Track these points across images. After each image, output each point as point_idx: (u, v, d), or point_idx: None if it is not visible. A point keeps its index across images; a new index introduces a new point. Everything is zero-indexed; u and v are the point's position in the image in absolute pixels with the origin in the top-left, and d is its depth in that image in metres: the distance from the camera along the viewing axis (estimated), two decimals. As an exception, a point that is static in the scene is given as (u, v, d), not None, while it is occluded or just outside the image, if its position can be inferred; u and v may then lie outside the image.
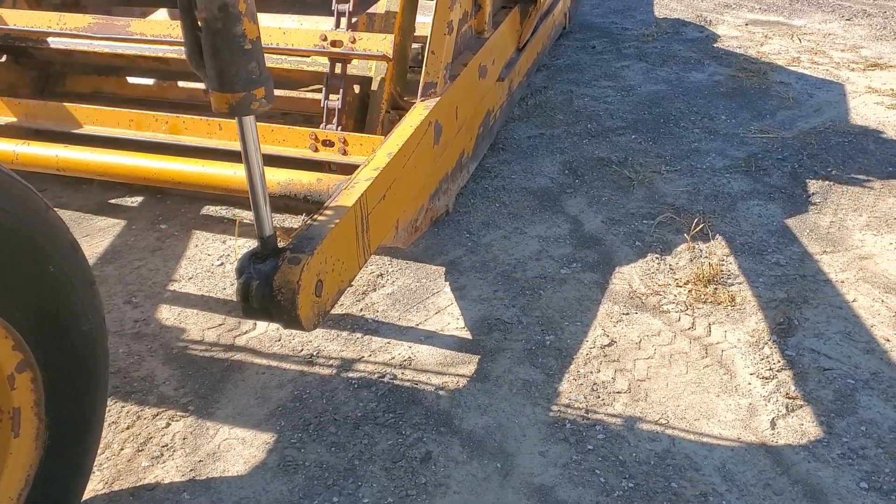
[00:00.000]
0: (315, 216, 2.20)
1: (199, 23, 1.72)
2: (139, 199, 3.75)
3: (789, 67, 5.65)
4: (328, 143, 3.01)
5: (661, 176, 4.05)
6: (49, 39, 3.53)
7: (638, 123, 4.69)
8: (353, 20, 3.21)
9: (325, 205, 2.27)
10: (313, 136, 3.03)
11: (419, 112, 2.88)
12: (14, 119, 3.34)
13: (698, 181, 4.00)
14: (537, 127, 4.64)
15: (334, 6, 3.23)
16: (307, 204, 2.93)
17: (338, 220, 2.17)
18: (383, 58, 3.10)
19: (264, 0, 4.25)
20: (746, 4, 7.34)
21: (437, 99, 2.97)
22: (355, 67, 3.27)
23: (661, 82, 5.37)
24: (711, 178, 4.02)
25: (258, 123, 3.06)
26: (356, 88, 3.29)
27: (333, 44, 3.12)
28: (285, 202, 3.05)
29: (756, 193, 3.88)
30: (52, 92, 3.86)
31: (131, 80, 3.90)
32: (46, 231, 1.66)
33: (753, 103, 5.00)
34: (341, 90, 3.17)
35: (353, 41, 3.11)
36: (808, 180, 4.00)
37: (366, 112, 3.31)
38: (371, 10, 3.42)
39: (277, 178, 2.91)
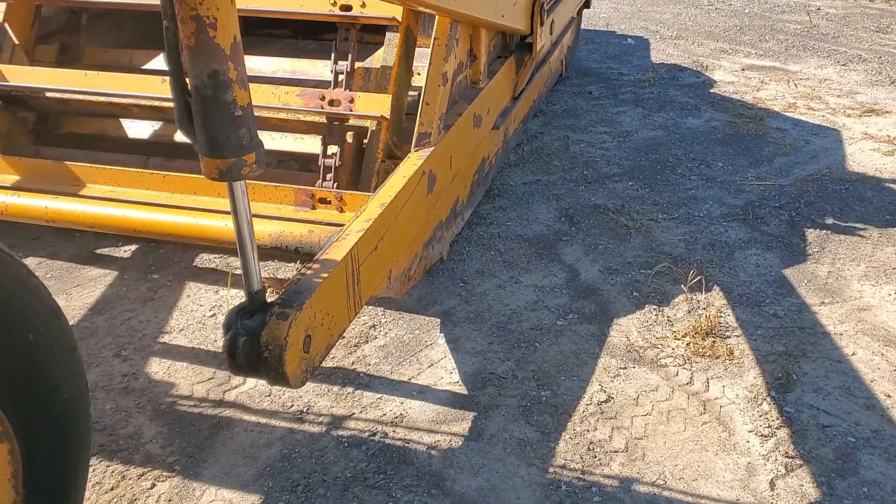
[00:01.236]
0: (304, 269, 2.17)
1: (188, 88, 1.70)
2: (132, 247, 3.72)
3: (786, 113, 5.67)
4: (325, 202, 3.00)
5: (658, 224, 4.02)
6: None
7: (635, 170, 4.68)
8: (352, 73, 3.24)
9: (316, 257, 2.24)
10: (310, 195, 3.02)
11: (413, 162, 2.87)
12: (14, 177, 3.32)
13: (696, 229, 3.97)
14: (533, 173, 4.63)
15: (332, 66, 3.25)
16: (299, 255, 2.91)
17: (327, 274, 2.14)
18: (381, 118, 3.13)
19: (264, 45, 4.30)
20: (742, 50, 7.38)
21: (431, 149, 2.97)
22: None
23: (658, 128, 5.37)
24: (709, 227, 4.00)
25: (254, 182, 3.06)
26: (351, 138, 3.29)
27: (331, 103, 3.13)
28: (277, 254, 3.03)
29: (754, 242, 3.85)
30: (50, 136, 3.86)
31: (129, 123, 3.90)
32: (27, 299, 1.63)
33: (750, 150, 5.00)
34: (338, 147, 3.18)
35: (352, 101, 3.12)
36: (805, 229, 3.98)
37: (362, 161, 3.31)
38: (367, 62, 3.43)
39: (268, 229, 2.90)
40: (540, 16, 4.09)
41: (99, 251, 3.70)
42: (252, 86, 3.25)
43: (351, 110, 3.14)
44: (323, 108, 3.16)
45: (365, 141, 3.31)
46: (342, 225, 2.76)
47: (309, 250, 2.88)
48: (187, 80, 1.69)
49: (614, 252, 3.76)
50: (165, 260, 3.62)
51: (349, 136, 3.28)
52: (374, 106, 3.15)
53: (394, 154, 3.27)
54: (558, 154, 4.91)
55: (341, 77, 3.25)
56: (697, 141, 5.13)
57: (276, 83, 3.34)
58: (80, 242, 3.73)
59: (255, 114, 3.16)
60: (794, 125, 5.44)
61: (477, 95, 3.56)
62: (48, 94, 3.59)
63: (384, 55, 3.35)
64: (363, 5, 3.12)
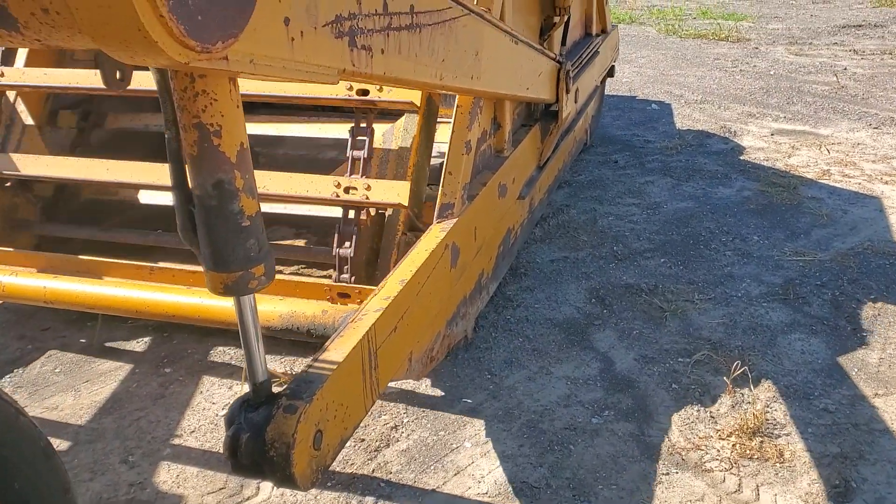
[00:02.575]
0: (316, 355, 2.01)
1: (192, 197, 1.57)
2: (147, 338, 3.57)
3: (820, 181, 5.49)
4: (345, 295, 2.84)
5: (694, 305, 3.83)
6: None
7: (666, 245, 4.50)
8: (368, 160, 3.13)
9: (329, 341, 2.07)
10: (328, 289, 2.87)
11: (435, 235, 2.72)
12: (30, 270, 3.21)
13: (734, 311, 3.77)
14: (560, 249, 4.47)
15: (349, 152, 3.14)
16: (311, 338, 2.74)
17: (341, 359, 1.97)
18: (398, 206, 2.99)
19: (288, 109, 4.18)
20: (770, 114, 7.24)
21: (455, 220, 2.82)
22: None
23: (688, 199, 5.20)
24: (748, 308, 3.79)
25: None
26: (366, 216, 3.14)
27: (347, 191, 3.01)
28: (288, 337, 2.87)
29: (797, 325, 3.64)
30: (64, 207, 3.76)
31: (144, 199, 3.81)
32: (14, 442, 1.47)
33: (786, 221, 4.81)
34: (354, 237, 3.04)
35: (368, 188, 2.99)
36: (851, 309, 3.76)
37: (382, 234, 3.16)
38: (387, 134, 3.31)
39: (279, 309, 2.74)
40: (566, 83, 3.98)
41: (111, 343, 3.56)
42: (265, 173, 3.15)
43: (367, 198, 3.01)
44: (338, 196, 3.03)
45: (387, 213, 3.18)
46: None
47: (323, 332, 2.71)
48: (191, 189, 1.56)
49: (650, 338, 3.56)
50: (178, 352, 3.46)
51: (369, 215, 3.14)
52: (391, 193, 3.01)
53: (415, 226, 3.13)
54: (586, 228, 4.75)
55: (357, 164, 3.12)
56: (730, 212, 4.95)
57: (291, 155, 3.22)
58: (92, 332, 3.59)
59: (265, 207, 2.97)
60: (829, 193, 5.25)
61: (502, 164, 3.42)
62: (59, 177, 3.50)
63: (405, 123, 3.22)
64: (380, 89, 3.00)
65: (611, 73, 6.21)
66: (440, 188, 2.91)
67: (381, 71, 1.90)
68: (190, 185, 1.57)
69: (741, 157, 6.01)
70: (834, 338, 3.53)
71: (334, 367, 1.94)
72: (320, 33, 1.56)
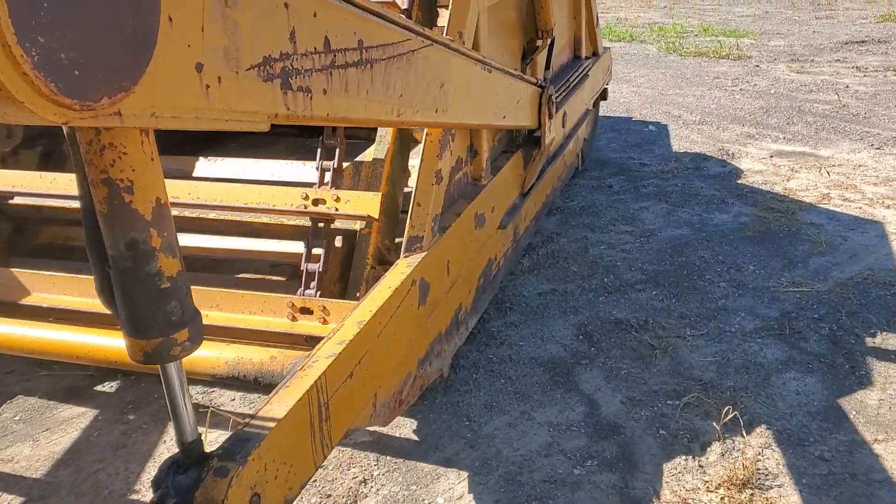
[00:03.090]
0: (257, 409, 1.86)
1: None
2: (115, 382, 3.43)
3: (819, 205, 5.33)
4: (307, 311, 2.69)
5: (685, 342, 3.67)
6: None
7: (659, 276, 4.35)
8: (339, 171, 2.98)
9: (273, 392, 1.91)
10: (290, 304, 2.71)
11: (400, 270, 2.56)
12: None
13: (727, 348, 3.61)
14: (549, 281, 4.31)
15: (318, 163, 2.99)
16: (259, 387, 2.58)
17: (283, 414, 1.81)
18: (368, 218, 2.83)
19: (270, 143, 4.06)
20: (770, 134, 7.09)
21: (424, 254, 2.67)
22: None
23: (683, 225, 5.05)
24: (742, 345, 3.63)
25: (230, 290, 2.77)
26: (339, 241, 2.99)
27: (315, 202, 2.85)
28: (236, 385, 2.71)
29: (792, 363, 3.47)
30: (24, 245, 3.61)
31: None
32: None
33: (783, 249, 4.65)
34: (323, 252, 2.88)
35: (337, 199, 2.83)
36: (849, 345, 3.60)
37: (350, 267, 3.00)
38: (360, 157, 3.17)
39: (225, 356, 2.57)
40: (549, 108, 3.83)
41: (79, 385, 3.42)
42: (228, 186, 3.00)
43: (336, 210, 2.85)
44: (306, 207, 2.88)
45: (358, 231, 3.03)
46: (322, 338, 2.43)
47: (271, 380, 2.55)
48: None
49: (638, 378, 3.40)
50: (144, 396, 3.32)
51: (338, 241, 2.98)
52: (361, 205, 2.85)
53: (385, 259, 2.96)
54: (576, 258, 4.60)
55: (327, 175, 2.97)
56: (726, 240, 4.80)
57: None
58: (56, 377, 3.46)
59: (233, 216, 2.79)
60: (829, 219, 5.09)
61: (479, 193, 3.28)
62: (21, 201, 3.36)
63: (376, 151, 3.08)
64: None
65: (603, 95, 6.07)
66: (408, 220, 2.76)
67: (325, 112, 1.76)
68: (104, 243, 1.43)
69: (739, 181, 5.86)
70: (831, 377, 3.37)
71: (274, 423, 1.79)
72: (244, 77, 1.42)
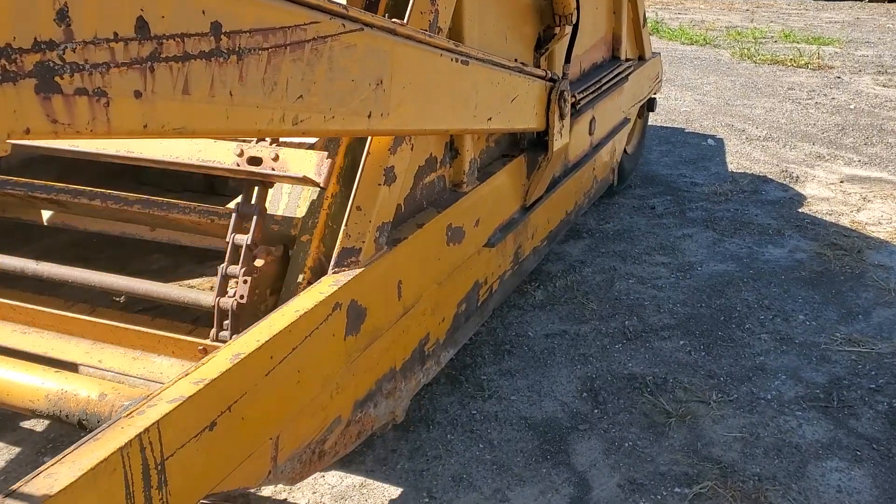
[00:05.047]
0: (46, 467, 1.38)
1: None
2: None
3: (892, 243, 4.62)
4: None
5: (708, 410, 3.07)
6: None
7: (690, 321, 3.74)
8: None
9: (75, 445, 1.43)
10: (202, 350, 2.19)
11: (319, 290, 2.04)
12: None
13: (758, 421, 3.00)
14: (561, 320, 3.75)
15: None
16: (84, 431, 2.02)
17: (72, 479, 1.33)
18: (304, 181, 2.23)
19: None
20: (843, 156, 6.34)
21: (358, 271, 2.15)
22: (277, 223, 2.43)
23: (729, 260, 4.42)
24: (776, 418, 3.02)
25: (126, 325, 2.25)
26: (266, 257, 2.41)
27: (252, 161, 2.26)
28: (60, 424, 2.18)
29: (836, 448, 2.85)
30: None
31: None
32: None
33: (842, 296, 3.99)
34: (239, 280, 2.29)
35: (276, 158, 2.23)
36: (911, 429, 2.96)
37: (283, 276, 2.36)
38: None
39: (48, 387, 1.99)
40: (559, 107, 3.24)
41: (2, 414, 3.02)
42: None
43: (273, 170, 2.25)
44: (239, 165, 2.28)
45: (291, 248, 2.45)
46: None
47: (96, 425, 2.02)
48: None
49: (644, 454, 2.83)
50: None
51: (269, 253, 2.38)
52: (304, 164, 2.23)
53: (326, 270, 2.32)
54: (598, 293, 4.02)
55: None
56: (776, 280, 4.15)
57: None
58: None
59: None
60: (902, 261, 4.40)
61: (455, 202, 2.74)
62: None
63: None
64: (276, 158, 2.31)
65: (651, 106, 5.45)
66: (342, 227, 2.21)
67: (139, 123, 1.27)
68: None
69: (800, 209, 5.18)
70: (885, 470, 2.74)
71: (59, 487, 1.31)
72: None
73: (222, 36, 1.39)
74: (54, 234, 3.02)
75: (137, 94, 1.24)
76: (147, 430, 1.48)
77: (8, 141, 1.08)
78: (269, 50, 1.51)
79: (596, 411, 3.09)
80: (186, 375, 1.66)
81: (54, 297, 2.67)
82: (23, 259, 2.60)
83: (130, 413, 1.53)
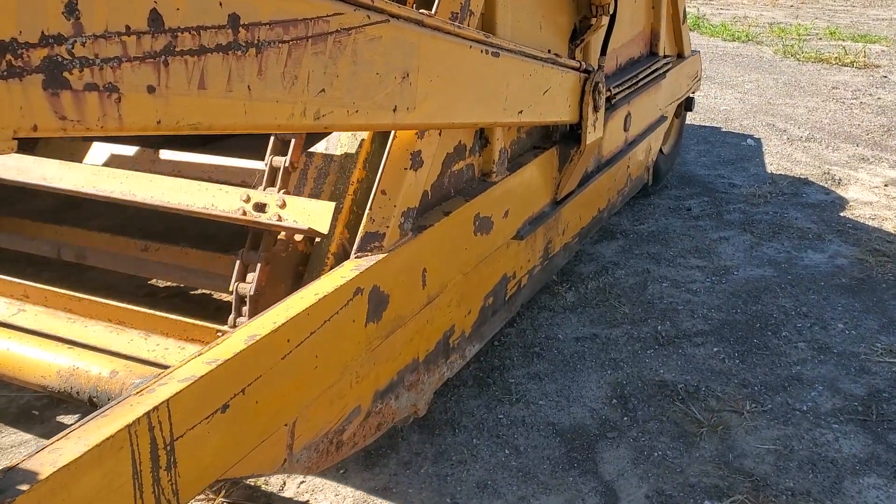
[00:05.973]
0: (49, 442, 1.36)
1: None
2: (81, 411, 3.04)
3: (937, 250, 4.49)
4: None
5: (741, 420, 3.00)
6: None
7: (725, 328, 3.66)
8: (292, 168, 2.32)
9: (82, 421, 1.41)
10: (220, 335, 2.17)
11: (341, 274, 2.01)
12: None
13: (793, 433, 2.92)
14: (592, 323, 3.69)
15: (267, 158, 2.32)
16: (95, 408, 2.01)
17: (77, 454, 1.31)
18: (310, 232, 2.20)
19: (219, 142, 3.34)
20: (888, 158, 6.17)
21: (382, 256, 2.11)
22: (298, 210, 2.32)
23: (767, 264, 4.32)
24: (812, 430, 2.93)
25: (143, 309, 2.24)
26: (287, 247, 2.38)
27: (258, 207, 2.25)
28: (70, 402, 2.17)
29: (875, 463, 2.76)
30: None
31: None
32: None
33: (884, 304, 3.87)
34: (259, 267, 2.28)
35: (283, 206, 2.21)
36: (953, 446, 2.86)
37: (307, 263, 2.34)
38: (330, 149, 2.42)
39: (59, 363, 2.03)
40: (593, 99, 3.18)
41: (35, 405, 3.04)
42: (150, 177, 2.36)
43: (279, 219, 2.22)
44: (245, 213, 2.26)
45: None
46: None
47: (106, 403, 2.01)
48: None
49: (674, 464, 2.77)
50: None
51: (281, 247, 2.34)
52: (310, 215, 2.18)
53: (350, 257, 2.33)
54: (630, 296, 3.95)
55: (277, 170, 2.31)
56: (815, 287, 4.05)
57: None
58: (11, 396, 3.09)
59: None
60: (947, 269, 4.26)
61: (484, 191, 2.70)
62: None
63: (347, 142, 2.39)
64: (282, 206, 2.27)
65: (688, 106, 5.34)
66: (367, 211, 2.17)
67: (153, 118, 1.24)
68: None
69: (842, 213, 5.05)
70: (924, 489, 2.65)
71: (63, 462, 1.29)
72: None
73: (240, 28, 1.36)
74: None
75: (151, 89, 1.22)
76: (156, 408, 1.45)
77: (14, 139, 1.06)
78: (290, 43, 1.48)
79: (625, 419, 3.02)
80: (199, 355, 1.63)
81: (77, 283, 2.69)
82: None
83: (140, 391, 1.51)
